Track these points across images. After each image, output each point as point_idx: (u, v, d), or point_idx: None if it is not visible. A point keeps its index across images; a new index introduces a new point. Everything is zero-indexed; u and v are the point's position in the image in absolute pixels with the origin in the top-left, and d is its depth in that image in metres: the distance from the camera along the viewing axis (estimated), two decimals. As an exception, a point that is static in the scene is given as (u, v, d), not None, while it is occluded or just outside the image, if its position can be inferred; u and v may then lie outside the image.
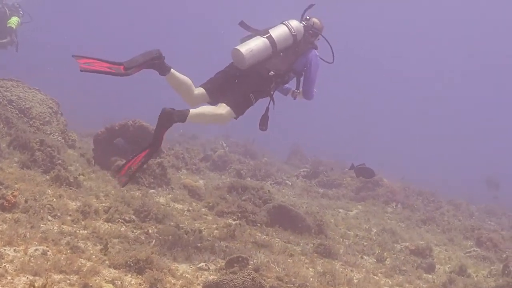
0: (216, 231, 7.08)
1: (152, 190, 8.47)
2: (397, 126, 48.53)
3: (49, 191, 6.61)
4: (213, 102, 6.36)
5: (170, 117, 5.58)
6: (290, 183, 14.37)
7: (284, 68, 6.69)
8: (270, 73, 6.50)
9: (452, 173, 29.45)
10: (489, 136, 50.01)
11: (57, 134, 10.97)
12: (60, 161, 7.82)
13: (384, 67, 57.85)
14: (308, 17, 7.13)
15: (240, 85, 6.42)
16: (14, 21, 12.63)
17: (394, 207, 13.13)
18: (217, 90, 6.40)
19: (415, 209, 13.39)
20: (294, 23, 6.78)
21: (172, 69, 6.01)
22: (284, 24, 6.75)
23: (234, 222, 7.61)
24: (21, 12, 13.27)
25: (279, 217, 8.23)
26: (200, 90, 6.38)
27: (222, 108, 6.18)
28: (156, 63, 5.84)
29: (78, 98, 20.93)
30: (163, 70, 5.95)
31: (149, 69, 5.87)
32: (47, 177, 7.24)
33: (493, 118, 54.18)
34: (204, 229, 7.00)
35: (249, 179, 13.39)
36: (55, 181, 7.06)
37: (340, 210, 11.84)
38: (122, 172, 5.77)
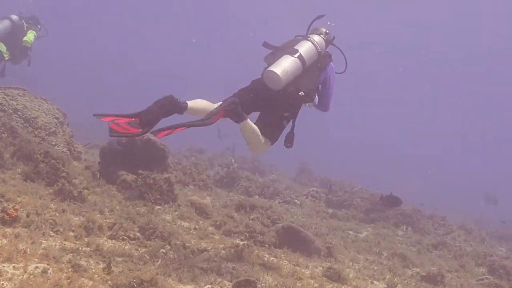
0: (223, 251, 6.87)
1: (158, 207, 8.26)
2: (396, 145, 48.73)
3: (52, 205, 6.40)
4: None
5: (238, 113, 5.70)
6: (299, 202, 14.15)
7: (311, 87, 6.56)
8: (300, 93, 6.35)
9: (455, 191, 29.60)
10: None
11: (62, 145, 10.81)
12: (64, 174, 7.60)
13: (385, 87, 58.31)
14: (327, 31, 7.00)
15: (272, 110, 6.31)
16: (30, 37, 12.58)
17: (405, 230, 12.92)
18: (248, 110, 6.17)
19: (425, 233, 13.19)
20: (318, 39, 6.69)
21: (188, 104, 5.73)
22: (309, 40, 6.61)
23: (241, 243, 7.39)
24: (39, 26, 13.24)
25: (288, 238, 8.04)
26: None
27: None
28: (172, 110, 5.57)
29: (85, 109, 20.80)
30: (181, 110, 5.68)
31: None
32: (51, 190, 7.04)
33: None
34: (211, 249, 6.80)
35: (257, 197, 13.21)
36: (58, 194, 6.86)
37: (350, 232, 11.60)
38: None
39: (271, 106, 6.30)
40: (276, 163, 20.26)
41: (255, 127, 6.02)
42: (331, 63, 6.91)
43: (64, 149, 10.65)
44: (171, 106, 5.48)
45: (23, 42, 12.43)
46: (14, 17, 12.63)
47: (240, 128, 5.95)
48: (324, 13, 7.18)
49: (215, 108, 5.58)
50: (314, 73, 6.60)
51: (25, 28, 12.61)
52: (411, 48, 57.18)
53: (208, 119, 5.45)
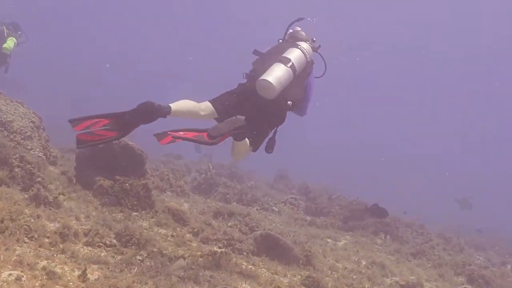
0: (200, 259, 6.79)
1: (135, 213, 8.14)
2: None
3: (27, 210, 6.25)
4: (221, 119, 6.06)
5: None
6: (277, 210, 14.11)
7: (299, 96, 6.59)
8: (288, 103, 6.37)
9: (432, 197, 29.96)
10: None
11: (38, 150, 10.62)
12: (39, 179, 7.49)
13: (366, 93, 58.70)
14: (313, 38, 7.04)
15: (259, 118, 6.28)
16: (9, 44, 12.45)
17: (383, 238, 12.94)
18: (229, 114, 6.01)
19: (404, 242, 13.23)
20: (306, 47, 6.70)
21: (172, 108, 5.59)
22: (299, 48, 6.59)
23: (219, 250, 7.33)
24: (19, 32, 13.09)
25: (266, 246, 8.00)
26: (208, 110, 6.10)
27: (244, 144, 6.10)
28: (152, 118, 5.44)
29: (62, 112, 20.59)
30: (164, 115, 5.55)
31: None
32: (26, 195, 6.90)
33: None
34: (188, 256, 6.71)
35: (235, 203, 13.14)
36: (33, 200, 6.72)
37: (329, 240, 11.57)
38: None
39: (259, 114, 6.26)
40: (253, 169, 20.19)
41: (247, 140, 6.03)
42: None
43: (40, 154, 10.46)
44: (151, 114, 5.37)
45: (3, 49, 12.32)
46: None
47: (235, 141, 5.96)
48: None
49: (221, 128, 5.53)
50: (301, 81, 6.60)
51: (5, 35, 12.49)
52: (411, 48, 57.53)
53: (213, 139, 5.49)
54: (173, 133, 5.78)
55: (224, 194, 13.78)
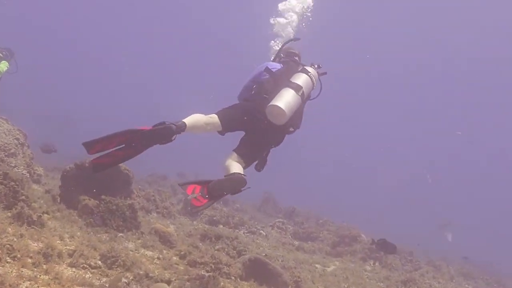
0: (187, 283, 6.59)
1: (121, 234, 7.94)
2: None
3: (10, 229, 6.04)
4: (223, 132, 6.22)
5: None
6: (264, 233, 13.92)
7: (299, 122, 6.62)
8: (290, 129, 6.46)
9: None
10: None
11: (22, 167, 10.44)
12: (23, 197, 7.25)
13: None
14: (320, 64, 7.00)
15: (261, 139, 6.36)
16: (2, 67, 12.35)
17: (372, 265, 12.79)
18: (232, 128, 6.26)
19: (393, 269, 13.08)
20: (313, 72, 6.66)
21: (186, 124, 5.60)
22: (308, 75, 6.56)
23: (207, 274, 7.13)
24: (12, 60, 13.00)
25: (254, 271, 7.80)
26: (214, 124, 6.06)
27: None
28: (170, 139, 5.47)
29: (46, 130, 20.37)
30: (180, 132, 5.54)
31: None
32: (9, 213, 6.67)
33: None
34: (175, 280, 6.51)
35: (222, 226, 12.94)
36: (17, 218, 6.50)
37: (317, 266, 11.40)
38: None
39: (261, 135, 6.29)
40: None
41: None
42: None
43: (24, 171, 10.27)
44: (169, 136, 5.37)
45: None
46: None
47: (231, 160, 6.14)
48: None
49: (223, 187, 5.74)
50: (302, 107, 6.59)
51: None
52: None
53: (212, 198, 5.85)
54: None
55: (210, 216, 13.61)
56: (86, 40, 59.52)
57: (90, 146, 5.12)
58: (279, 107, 6.00)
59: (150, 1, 58.19)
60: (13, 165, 10.18)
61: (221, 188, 5.71)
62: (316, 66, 6.93)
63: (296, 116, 6.40)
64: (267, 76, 6.54)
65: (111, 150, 5.21)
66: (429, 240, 22.61)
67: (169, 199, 13.41)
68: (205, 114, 5.99)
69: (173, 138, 5.39)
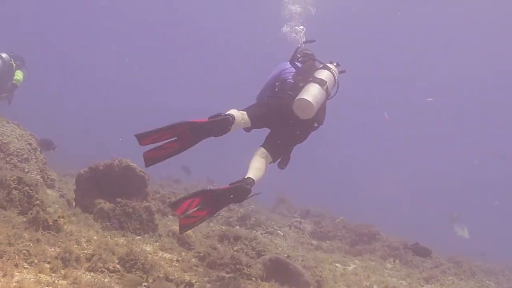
0: (208, 285, 6.44)
1: (138, 237, 7.81)
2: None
3: (26, 234, 5.91)
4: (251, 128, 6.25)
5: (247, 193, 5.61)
6: (282, 234, 13.80)
7: (322, 118, 6.58)
8: (315, 125, 6.43)
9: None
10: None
11: (35, 172, 10.35)
12: (38, 202, 7.13)
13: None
14: (339, 62, 6.92)
15: (288, 135, 6.32)
16: (19, 78, 12.51)
17: (393, 263, 12.63)
18: (259, 125, 6.27)
19: (414, 266, 12.91)
20: (334, 69, 6.68)
21: (235, 119, 5.66)
22: (331, 72, 6.53)
23: (227, 275, 6.97)
24: (24, 67, 13.13)
25: (275, 271, 7.62)
26: (246, 120, 6.06)
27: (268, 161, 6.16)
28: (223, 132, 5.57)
29: (59, 134, 20.36)
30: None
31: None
32: (24, 218, 6.55)
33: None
34: (196, 282, 6.36)
35: (238, 227, 12.81)
36: (32, 223, 6.36)
37: (337, 265, 11.24)
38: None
39: (287, 131, 6.27)
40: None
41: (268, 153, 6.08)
42: None
43: (37, 176, 10.17)
44: (226, 128, 5.50)
45: (14, 81, 12.40)
46: (4, 55, 12.55)
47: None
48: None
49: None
50: (325, 104, 6.55)
51: (13, 68, 12.53)
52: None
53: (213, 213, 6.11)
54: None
55: (227, 218, 13.52)
56: (86, 41, 59.66)
57: (142, 137, 5.17)
58: (308, 100, 5.94)
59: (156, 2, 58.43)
60: (26, 170, 10.10)
61: (225, 200, 5.78)
62: (335, 64, 6.87)
63: (320, 112, 6.34)
64: (292, 73, 6.54)
65: (163, 142, 5.25)
66: (442, 236, 22.47)
67: (184, 201, 13.30)
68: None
69: (227, 129, 5.45)
